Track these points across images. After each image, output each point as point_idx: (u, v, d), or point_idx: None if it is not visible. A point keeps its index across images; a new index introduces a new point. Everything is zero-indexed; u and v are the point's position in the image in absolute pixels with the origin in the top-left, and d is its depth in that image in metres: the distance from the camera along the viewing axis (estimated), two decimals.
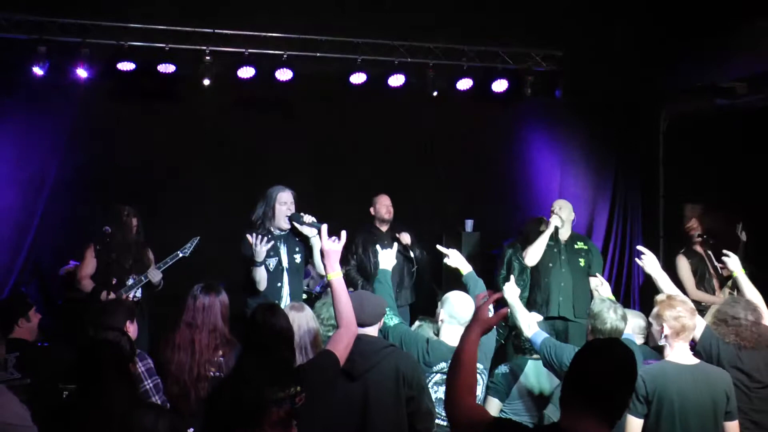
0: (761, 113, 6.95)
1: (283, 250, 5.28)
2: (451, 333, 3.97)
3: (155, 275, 5.89)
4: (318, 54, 7.43)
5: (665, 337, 3.82)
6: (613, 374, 2.32)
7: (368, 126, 8.08)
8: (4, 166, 7.23)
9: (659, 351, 4.34)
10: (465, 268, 4.45)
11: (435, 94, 7.80)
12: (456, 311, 4.00)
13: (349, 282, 6.33)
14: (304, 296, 5.73)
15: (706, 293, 6.47)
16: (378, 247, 4.69)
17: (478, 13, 7.46)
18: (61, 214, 7.30)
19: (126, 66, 7.06)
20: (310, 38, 7.40)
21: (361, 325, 3.45)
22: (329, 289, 3.32)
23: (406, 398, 3.53)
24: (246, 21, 7.25)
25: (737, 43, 6.73)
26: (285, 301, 5.13)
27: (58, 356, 4.19)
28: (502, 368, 4.63)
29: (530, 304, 6.15)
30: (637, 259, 4.58)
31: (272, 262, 5.23)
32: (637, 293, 8.37)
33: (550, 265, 6.27)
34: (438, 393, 3.85)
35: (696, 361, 3.83)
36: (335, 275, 3.29)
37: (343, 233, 3.42)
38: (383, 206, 6.80)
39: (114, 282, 5.79)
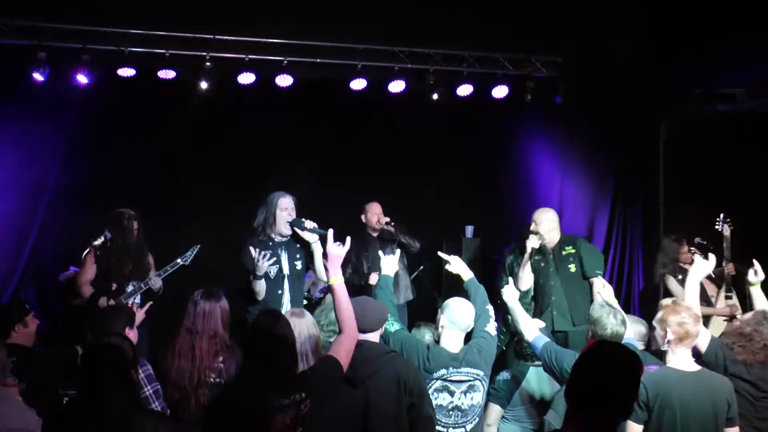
0: (762, 119, 6.96)
1: (284, 257, 5.26)
2: (451, 339, 3.96)
3: (155, 282, 5.89)
4: (318, 60, 7.45)
5: (668, 342, 3.81)
6: (617, 380, 2.31)
7: (368, 132, 8.09)
8: (4, 172, 7.24)
9: (660, 356, 4.33)
10: (466, 274, 4.43)
11: (435, 98, 7.80)
12: (456, 317, 3.98)
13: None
14: (305, 302, 5.71)
15: (707, 306, 6.39)
16: (380, 252, 4.67)
17: (478, 18, 7.46)
18: (62, 220, 7.29)
19: (126, 72, 7.08)
20: (311, 44, 7.42)
21: (362, 330, 3.45)
22: (329, 294, 3.31)
23: (408, 405, 3.51)
24: (246, 27, 7.26)
25: (737, 49, 6.74)
26: (285, 308, 5.11)
27: (55, 361, 4.19)
28: (504, 374, 4.62)
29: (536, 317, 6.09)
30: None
31: (273, 270, 5.20)
32: (638, 299, 8.36)
33: (541, 281, 6.12)
34: (438, 399, 3.84)
35: (697, 367, 3.81)
36: (337, 280, 3.29)
37: (348, 238, 3.44)
38: (374, 214, 6.75)
39: (114, 288, 5.80)
